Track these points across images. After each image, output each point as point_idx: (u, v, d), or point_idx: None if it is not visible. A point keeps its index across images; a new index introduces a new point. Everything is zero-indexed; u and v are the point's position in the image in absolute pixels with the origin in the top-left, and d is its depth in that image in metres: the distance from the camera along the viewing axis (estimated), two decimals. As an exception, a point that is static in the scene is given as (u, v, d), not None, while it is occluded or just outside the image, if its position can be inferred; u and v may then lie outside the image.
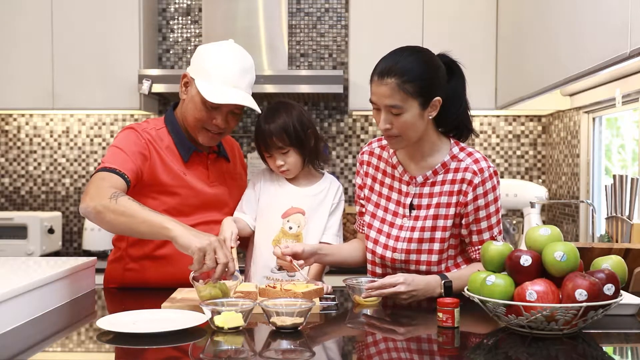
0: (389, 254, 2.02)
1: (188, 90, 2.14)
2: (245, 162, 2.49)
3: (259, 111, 2.15)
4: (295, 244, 2.01)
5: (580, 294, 1.51)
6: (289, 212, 2.18)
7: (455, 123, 2.02)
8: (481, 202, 1.96)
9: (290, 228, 2.17)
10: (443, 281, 1.92)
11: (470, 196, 1.96)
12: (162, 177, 2.12)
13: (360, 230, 2.17)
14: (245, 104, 2.09)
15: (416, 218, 2.01)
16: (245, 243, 2.31)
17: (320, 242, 2.17)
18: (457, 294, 1.84)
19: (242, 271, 2.24)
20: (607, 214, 2.63)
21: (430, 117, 1.93)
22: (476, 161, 1.98)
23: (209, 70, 2.08)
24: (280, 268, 2.10)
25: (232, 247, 1.96)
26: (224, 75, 2.08)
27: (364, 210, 2.14)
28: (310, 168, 2.26)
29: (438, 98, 1.91)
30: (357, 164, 2.17)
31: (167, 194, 2.13)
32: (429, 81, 1.89)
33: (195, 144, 2.20)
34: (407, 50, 1.93)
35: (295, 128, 2.14)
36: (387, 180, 2.08)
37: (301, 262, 1.97)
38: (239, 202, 2.26)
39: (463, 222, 1.99)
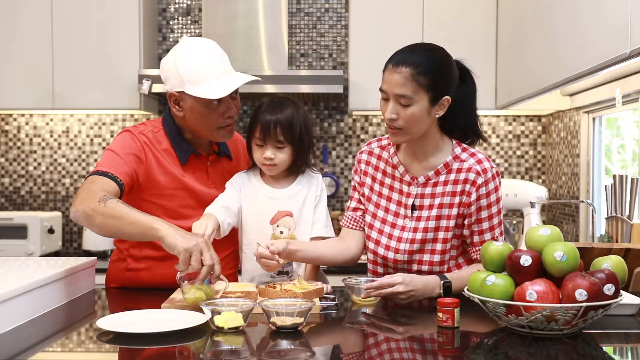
0: (391, 254, 2.02)
1: (182, 105, 2.10)
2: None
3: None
4: (274, 242, 1.94)
5: (580, 294, 1.51)
6: (277, 217, 2.11)
7: (463, 130, 2.02)
8: (484, 202, 1.96)
9: (282, 232, 2.10)
10: (442, 281, 1.92)
11: (473, 196, 1.96)
12: (159, 180, 2.11)
13: (350, 226, 2.11)
14: (247, 80, 2.09)
15: (418, 219, 2.00)
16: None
17: (311, 239, 2.12)
18: (456, 294, 1.84)
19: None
20: (607, 214, 2.63)
21: (436, 116, 1.93)
22: (479, 161, 1.97)
23: (192, 74, 2.04)
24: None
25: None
26: (208, 69, 2.06)
27: (361, 206, 2.10)
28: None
29: (447, 97, 1.91)
30: (355, 163, 2.14)
31: (165, 197, 2.12)
32: (442, 77, 1.89)
33: (194, 147, 2.18)
34: (425, 46, 1.95)
35: (300, 126, 2.10)
36: (387, 181, 2.07)
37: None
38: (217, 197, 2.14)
39: (465, 222, 1.98)
